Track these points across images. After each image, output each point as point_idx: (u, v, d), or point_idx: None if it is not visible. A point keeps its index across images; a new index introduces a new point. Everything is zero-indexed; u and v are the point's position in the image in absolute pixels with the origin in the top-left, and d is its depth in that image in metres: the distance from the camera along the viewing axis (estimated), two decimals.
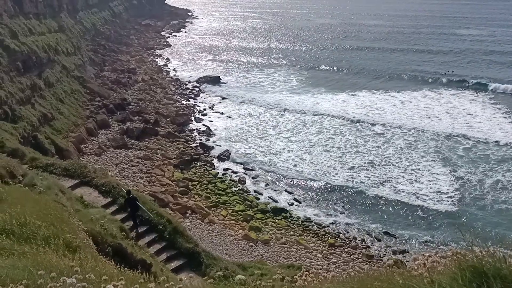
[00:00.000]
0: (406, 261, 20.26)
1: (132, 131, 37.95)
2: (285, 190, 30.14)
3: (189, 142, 38.45)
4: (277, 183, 31.21)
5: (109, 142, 35.39)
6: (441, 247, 22.95)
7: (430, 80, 57.95)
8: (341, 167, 33.29)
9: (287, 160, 34.98)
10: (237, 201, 28.28)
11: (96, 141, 35.42)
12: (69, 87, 42.19)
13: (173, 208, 25.88)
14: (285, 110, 47.98)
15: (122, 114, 42.55)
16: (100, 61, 62.32)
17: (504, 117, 43.34)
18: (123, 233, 14.13)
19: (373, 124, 42.42)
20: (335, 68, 68.54)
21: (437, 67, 66.22)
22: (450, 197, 28.41)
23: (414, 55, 75.41)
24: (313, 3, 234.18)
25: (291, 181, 31.45)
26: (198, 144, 38.11)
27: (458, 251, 3.07)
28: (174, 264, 15.12)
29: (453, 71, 63.28)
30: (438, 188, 29.48)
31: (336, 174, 32.18)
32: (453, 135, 39.02)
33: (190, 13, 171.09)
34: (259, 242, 23.70)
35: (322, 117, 45.11)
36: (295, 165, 33.91)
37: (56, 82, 40.07)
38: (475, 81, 56.43)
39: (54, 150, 28.86)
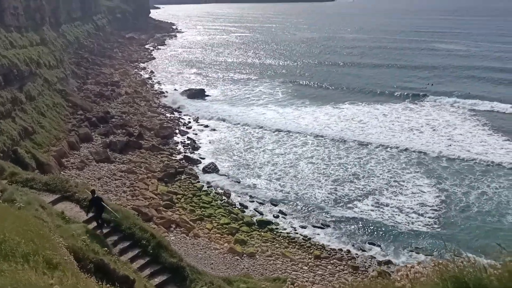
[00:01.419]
0: (391, 271, 20.33)
1: (115, 145, 37.55)
2: (271, 202, 30.08)
3: (174, 155, 38.21)
4: (262, 195, 31.13)
5: (91, 156, 34.91)
6: (425, 257, 23.11)
7: (410, 93, 58.94)
8: (325, 179, 33.44)
9: (272, 172, 35.00)
10: (222, 214, 28.09)
11: (78, 155, 34.91)
12: (51, 100, 41.65)
13: (157, 222, 25.56)
14: (269, 122, 48.14)
15: (105, 127, 42.13)
16: (83, 74, 61.86)
17: (483, 130, 44.19)
18: (106, 248, 13.86)
19: (357, 136, 42.83)
20: (317, 82, 69.29)
21: (417, 81, 67.50)
22: (435, 208, 28.65)
23: (395, 70, 76.76)
24: (294, 18, 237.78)
25: (276, 193, 31.42)
26: (182, 157, 37.90)
27: (440, 261, 3.10)
28: (158, 279, 14.85)
29: (432, 84, 64.59)
30: (423, 200, 29.73)
31: (320, 186, 32.31)
32: (438, 153, 39.53)
33: (174, 27, 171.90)
34: (244, 255, 23.52)
35: (306, 128, 45.40)
36: (279, 178, 33.94)
37: (38, 95, 39.53)
38: (454, 94, 57.65)
39: (35, 164, 28.34)
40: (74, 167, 32.41)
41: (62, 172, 30.01)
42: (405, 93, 58.87)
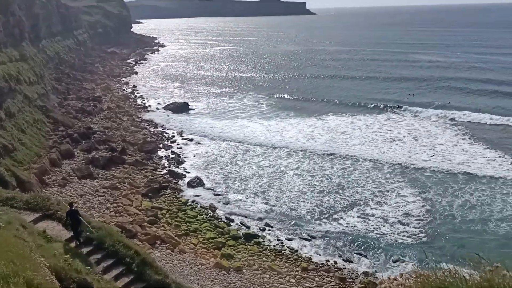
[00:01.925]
0: (379, 282, 20.37)
1: (98, 160, 37.07)
2: (257, 215, 29.97)
3: (158, 170, 37.88)
4: (248, 208, 31.02)
5: (73, 173, 34.36)
6: (410, 267, 23.26)
7: (391, 104, 59.88)
8: (311, 191, 33.54)
9: (257, 185, 34.95)
10: (208, 228, 27.85)
11: (60, 172, 34.32)
12: (31, 117, 41.02)
13: (141, 238, 25.19)
14: (254, 135, 48.27)
15: (87, 143, 41.59)
16: (64, 89, 61.19)
17: (464, 139, 45.03)
18: (89, 267, 13.60)
19: (341, 147, 43.22)
20: (301, 94, 70.02)
21: (398, 92, 68.73)
22: (420, 218, 28.88)
23: (376, 81, 78.01)
24: (276, 31, 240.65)
25: (262, 206, 31.35)
26: (167, 171, 37.60)
27: (422, 272, 3.15)
28: None
29: (413, 95, 65.84)
30: (407, 210, 29.96)
31: (306, 198, 32.37)
32: (420, 162, 40.10)
33: (156, 41, 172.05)
34: (231, 269, 23.31)
35: (290, 140, 45.63)
36: (265, 191, 33.92)
37: (18, 112, 38.89)
38: (434, 105, 58.81)
39: (15, 182, 27.70)
40: (55, 184, 31.82)
41: (43, 190, 29.42)
42: (386, 104, 59.77)
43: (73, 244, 15.38)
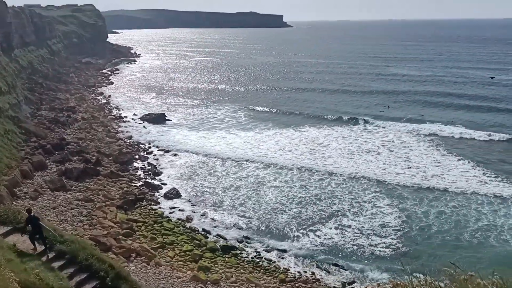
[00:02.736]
0: None
1: (71, 172, 36.20)
2: (234, 227, 29.80)
3: (134, 181, 37.28)
4: (226, 220, 30.81)
5: (46, 185, 33.42)
6: (386, 278, 23.50)
7: (367, 117, 60.92)
8: (289, 202, 33.61)
9: (235, 196, 34.80)
10: (185, 240, 27.47)
11: (32, 184, 33.32)
12: (2, 127, 39.82)
13: (116, 252, 24.62)
14: (231, 146, 48.20)
15: (61, 154, 40.61)
16: (37, 99, 59.81)
17: (437, 150, 46.11)
18: (61, 281, 13.20)
19: (318, 158, 43.60)
20: (278, 106, 70.56)
21: (374, 104, 70.10)
22: (397, 229, 29.24)
23: (352, 94, 79.27)
24: (253, 43, 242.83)
25: (239, 217, 31.18)
26: (143, 183, 37.04)
27: (399, 282, 3.18)
28: None
29: (388, 107, 67.30)
30: (384, 221, 30.30)
31: (284, 210, 32.40)
32: (395, 174, 40.82)
33: (132, 51, 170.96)
34: (208, 282, 23.00)
35: (268, 152, 45.75)
36: (243, 202, 33.79)
37: None
38: (408, 117, 60.21)
39: None
40: (27, 196, 30.86)
41: (14, 203, 28.48)
42: (362, 117, 60.72)
43: (44, 258, 14.94)
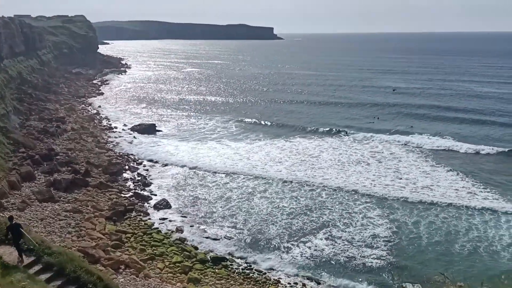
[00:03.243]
0: None
1: (60, 183, 35.79)
2: (225, 237, 29.62)
3: (123, 192, 36.95)
4: (216, 231, 30.62)
5: (34, 196, 32.96)
6: None
7: (356, 128, 61.40)
8: (280, 213, 33.56)
9: (225, 207, 34.66)
10: (175, 252, 27.21)
11: (19, 195, 32.84)
12: None
13: (104, 263, 24.27)
14: (222, 157, 48.12)
15: (49, 165, 40.16)
16: (26, 110, 59.26)
17: (427, 161, 46.52)
18: None
19: (308, 168, 43.70)
20: (269, 118, 70.83)
21: (363, 116, 70.72)
22: (387, 240, 29.28)
23: (342, 106, 79.80)
24: (244, 55, 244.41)
25: (230, 229, 31.02)
26: (132, 194, 36.74)
27: None
28: None
29: (378, 118, 67.96)
30: (375, 231, 30.32)
31: (274, 221, 32.33)
32: (385, 185, 41.02)
33: (123, 62, 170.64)
34: None
35: (259, 162, 45.74)
36: (234, 213, 33.65)
37: None
38: (397, 129, 60.80)
39: None
40: (14, 208, 30.37)
41: (1, 214, 28.02)
42: (352, 128, 61.20)
43: (32, 271, 14.68)
